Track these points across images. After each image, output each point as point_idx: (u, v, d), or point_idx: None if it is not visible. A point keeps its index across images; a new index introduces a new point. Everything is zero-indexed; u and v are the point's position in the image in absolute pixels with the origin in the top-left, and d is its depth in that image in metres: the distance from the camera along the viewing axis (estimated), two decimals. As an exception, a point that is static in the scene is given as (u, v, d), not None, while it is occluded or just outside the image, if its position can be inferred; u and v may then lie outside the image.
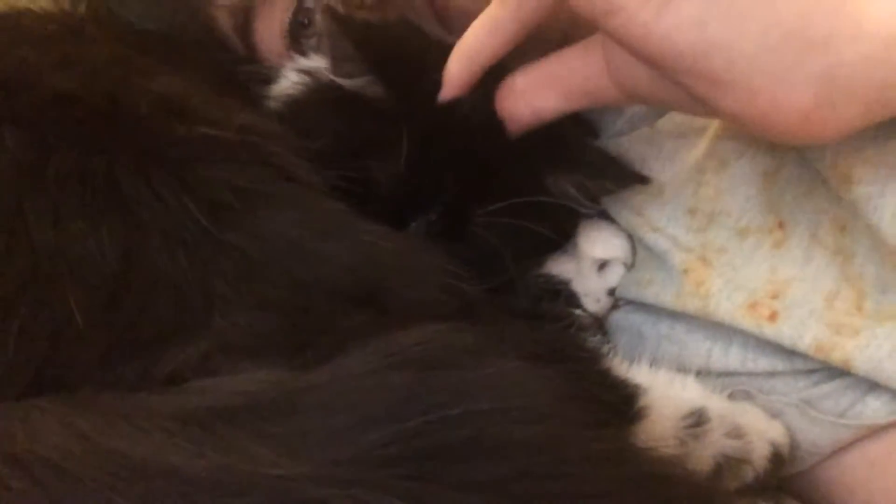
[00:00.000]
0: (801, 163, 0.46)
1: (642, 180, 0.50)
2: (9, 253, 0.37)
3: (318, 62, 0.53)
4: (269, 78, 0.54)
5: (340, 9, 0.53)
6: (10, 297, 0.36)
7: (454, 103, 0.47)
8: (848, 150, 0.43)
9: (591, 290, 0.52)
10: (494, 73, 0.49)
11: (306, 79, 0.52)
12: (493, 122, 0.47)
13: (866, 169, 0.43)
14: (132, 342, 0.36)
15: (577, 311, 0.51)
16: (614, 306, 0.53)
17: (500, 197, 0.47)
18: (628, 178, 0.50)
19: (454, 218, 0.48)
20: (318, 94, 0.51)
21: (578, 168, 0.50)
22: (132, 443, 0.31)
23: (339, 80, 0.50)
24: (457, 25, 0.54)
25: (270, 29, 0.58)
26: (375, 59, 0.48)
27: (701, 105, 0.39)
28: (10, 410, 0.32)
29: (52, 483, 0.29)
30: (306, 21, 0.58)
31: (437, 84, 0.48)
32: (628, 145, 0.52)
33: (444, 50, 0.50)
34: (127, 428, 0.31)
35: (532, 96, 0.45)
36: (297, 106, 0.51)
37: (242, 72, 0.55)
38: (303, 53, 0.57)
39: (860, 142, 0.43)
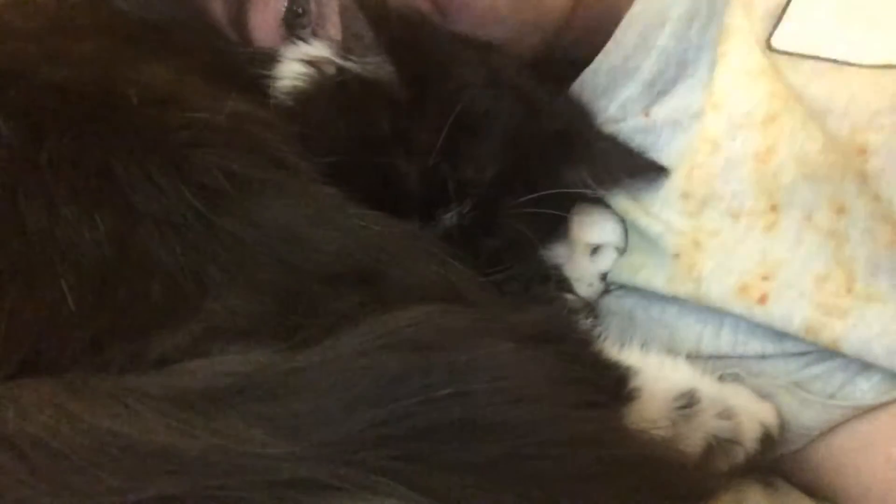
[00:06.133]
0: (804, 144, 0.46)
1: (660, 171, 0.50)
2: (1, 237, 0.37)
3: (320, 49, 0.53)
4: (270, 58, 0.53)
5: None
6: (2, 280, 0.36)
7: (475, 96, 0.48)
8: (864, 120, 0.44)
9: (583, 274, 0.52)
10: (508, 68, 0.49)
11: (311, 69, 0.52)
12: (517, 116, 0.48)
13: (881, 138, 0.43)
14: (124, 325, 0.37)
15: (569, 296, 0.51)
16: (606, 290, 0.53)
17: (526, 190, 0.48)
18: (647, 168, 0.50)
19: (485, 210, 0.48)
20: (328, 87, 0.51)
21: (597, 159, 0.51)
22: (122, 422, 0.31)
23: (348, 64, 0.50)
24: (457, 18, 0.54)
25: (264, 19, 0.58)
26: (390, 39, 0.48)
27: None
28: (1, 391, 0.32)
29: (41, 462, 0.29)
30: (300, 10, 0.58)
31: (455, 75, 0.48)
32: (625, 135, 0.52)
33: (456, 39, 0.50)
34: (117, 408, 0.31)
35: None
36: (306, 99, 0.51)
37: (240, 54, 0.55)
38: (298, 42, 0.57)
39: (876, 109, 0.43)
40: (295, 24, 0.57)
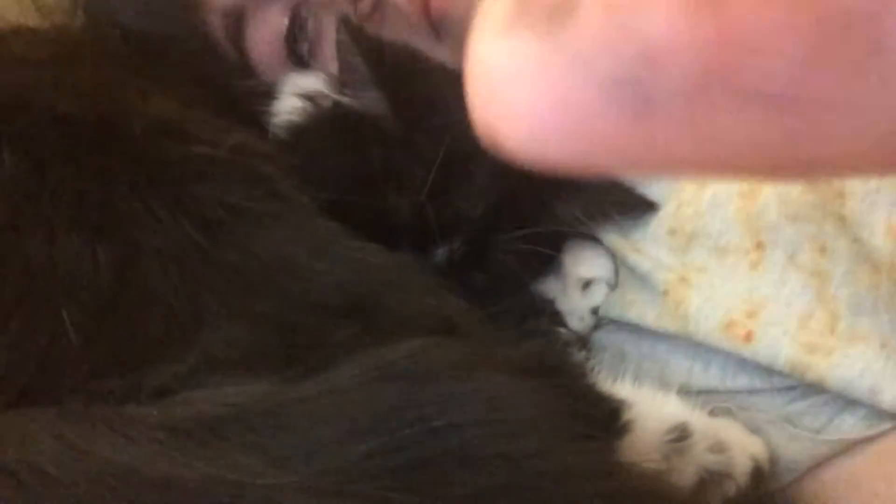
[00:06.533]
0: (788, 184, 0.47)
1: (650, 207, 0.51)
2: (3, 267, 0.37)
3: (315, 82, 0.54)
4: (268, 92, 0.54)
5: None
6: (3, 311, 0.36)
7: (465, 132, 0.49)
8: None
9: (574, 308, 0.53)
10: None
11: (306, 103, 0.53)
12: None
13: (857, 182, 0.44)
14: (123, 356, 0.37)
15: (561, 329, 0.52)
16: (597, 325, 0.53)
17: (518, 225, 0.49)
18: (636, 204, 0.51)
19: (477, 246, 0.49)
20: (323, 121, 0.52)
21: (587, 195, 0.51)
22: (120, 452, 0.31)
23: (342, 99, 0.51)
24: (451, 34, 0.55)
25: (262, 36, 0.58)
26: (383, 76, 0.49)
27: None
28: (1, 420, 0.32)
29: (40, 490, 0.29)
30: (299, 28, 0.58)
31: (446, 111, 0.48)
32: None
33: (449, 75, 0.51)
34: (115, 437, 0.32)
35: None
36: (301, 134, 0.52)
37: (239, 86, 0.56)
38: (296, 61, 0.57)
39: None
40: (293, 44, 0.58)
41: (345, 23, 0.49)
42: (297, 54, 0.58)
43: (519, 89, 0.16)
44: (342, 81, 0.51)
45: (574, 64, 0.15)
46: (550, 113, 0.16)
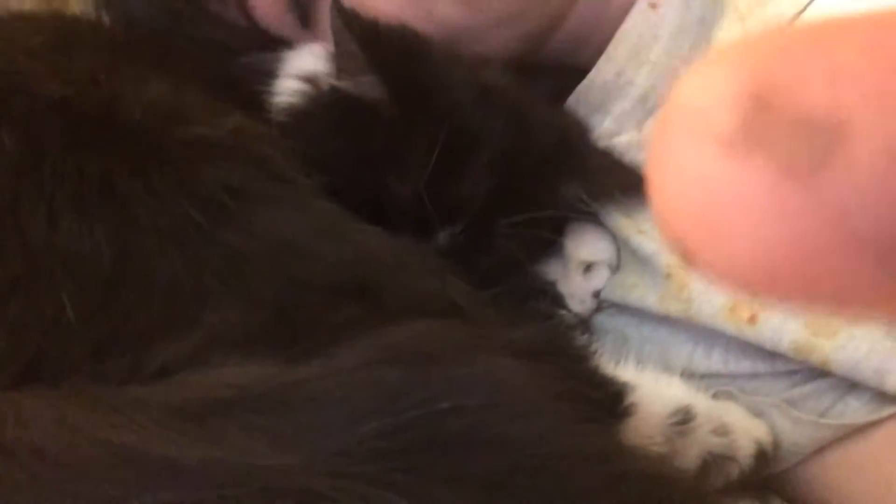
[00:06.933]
0: None
1: None
2: (2, 249, 0.37)
3: (315, 62, 0.53)
4: (268, 72, 0.54)
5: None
6: (3, 292, 0.36)
7: (467, 116, 0.48)
8: None
9: (576, 291, 0.53)
10: (500, 84, 0.50)
11: (306, 86, 0.52)
12: (509, 133, 0.48)
13: None
14: (124, 337, 0.37)
15: (563, 312, 0.52)
16: (599, 308, 0.53)
17: (520, 208, 0.49)
18: (640, 184, 0.50)
19: (479, 230, 0.48)
20: (322, 105, 0.51)
21: (590, 174, 0.51)
22: (122, 433, 0.31)
23: (340, 84, 0.50)
24: None
25: None
26: (380, 61, 0.48)
27: None
28: (1, 400, 0.32)
29: (40, 471, 0.29)
30: None
31: (446, 94, 0.48)
32: (620, 150, 0.53)
33: (448, 57, 0.50)
34: (117, 418, 0.31)
35: None
36: (301, 117, 0.51)
37: (239, 66, 0.55)
38: (295, 8, 0.57)
39: None
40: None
41: (338, 8, 0.49)
42: (300, 16, 0.57)
43: (740, 223, 0.13)
44: (339, 67, 0.51)
45: (829, 216, 0.12)
46: (782, 260, 0.13)
